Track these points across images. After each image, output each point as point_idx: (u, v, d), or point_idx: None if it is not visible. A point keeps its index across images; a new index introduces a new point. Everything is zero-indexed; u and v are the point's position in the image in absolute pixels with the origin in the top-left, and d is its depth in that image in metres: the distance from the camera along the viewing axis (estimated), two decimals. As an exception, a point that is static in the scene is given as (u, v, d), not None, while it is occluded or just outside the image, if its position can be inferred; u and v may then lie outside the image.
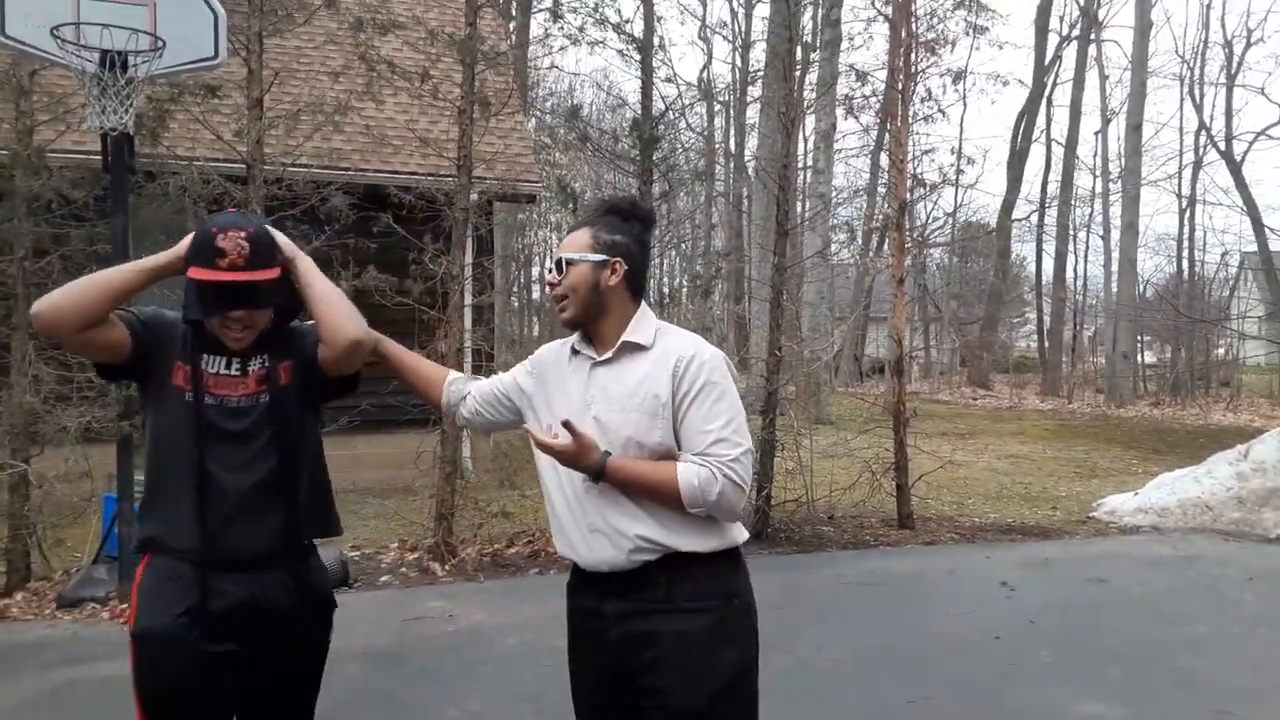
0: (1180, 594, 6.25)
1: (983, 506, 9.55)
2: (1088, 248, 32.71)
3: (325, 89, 8.36)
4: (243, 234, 2.13)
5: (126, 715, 4.18)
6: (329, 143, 8.91)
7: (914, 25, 9.27)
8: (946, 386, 27.28)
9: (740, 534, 2.22)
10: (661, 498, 2.09)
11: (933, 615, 5.66)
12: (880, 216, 21.63)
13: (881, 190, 23.15)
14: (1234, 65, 25.68)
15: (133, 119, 5.65)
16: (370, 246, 7.28)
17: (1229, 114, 25.40)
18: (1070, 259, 30.14)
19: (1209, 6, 53.77)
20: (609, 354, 2.20)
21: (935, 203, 26.87)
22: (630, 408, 2.12)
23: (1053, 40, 27.88)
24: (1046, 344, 29.35)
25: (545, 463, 2.23)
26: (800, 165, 18.02)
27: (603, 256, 2.19)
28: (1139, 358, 25.46)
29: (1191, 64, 27.15)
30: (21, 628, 5.33)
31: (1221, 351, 26.69)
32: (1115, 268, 23.91)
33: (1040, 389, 25.90)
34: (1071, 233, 29.56)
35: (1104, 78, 28.21)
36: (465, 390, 2.45)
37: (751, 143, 22.23)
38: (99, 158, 5.81)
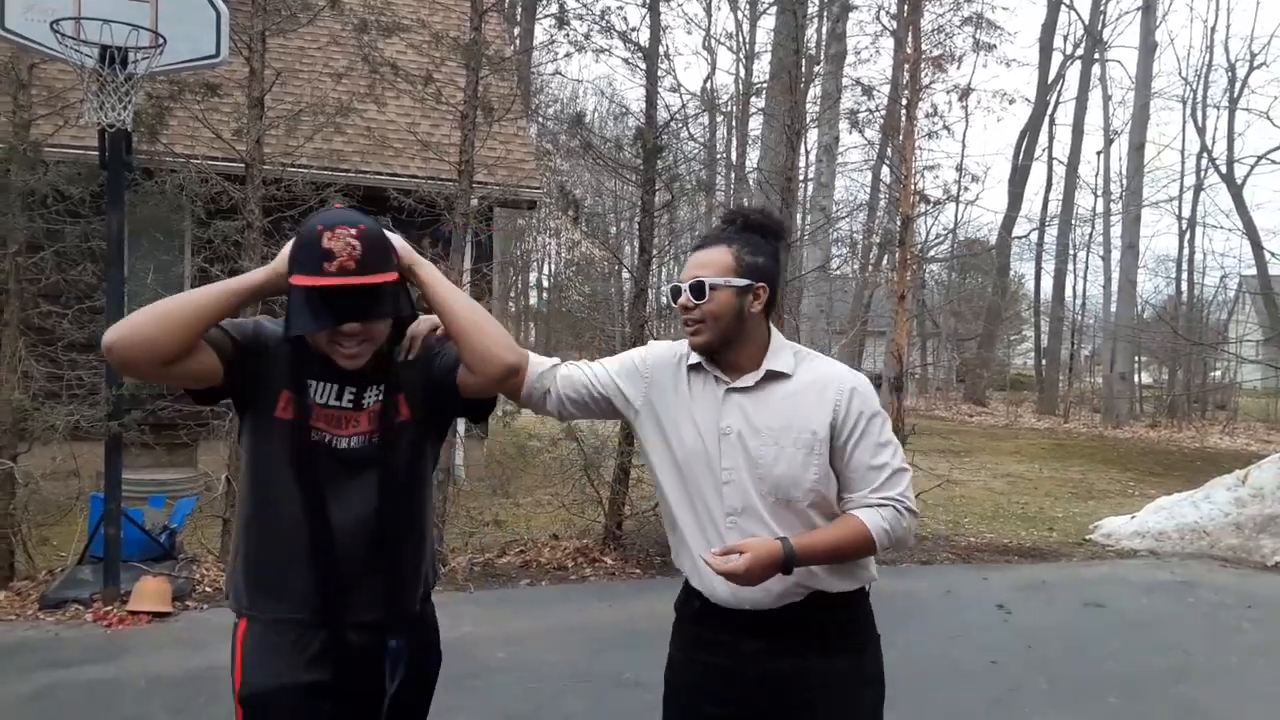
0: (1178, 621, 6.19)
1: (979, 526, 9.49)
2: (1087, 267, 32.78)
3: (327, 90, 8.30)
4: (352, 232, 1.81)
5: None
6: (329, 144, 8.85)
7: (920, 41, 9.25)
8: (943, 403, 27.27)
9: (874, 571, 2.14)
10: (856, 557, 2.03)
11: (928, 637, 5.59)
12: (880, 231, 21.62)
13: (883, 204, 23.15)
14: (1237, 89, 25.68)
15: (131, 116, 5.58)
16: (368, 249, 7.22)
17: (1231, 137, 25.40)
18: (1070, 278, 30.22)
19: (1213, 29, 54.03)
20: (749, 382, 2.07)
21: (936, 218, 26.91)
22: (785, 442, 2.01)
23: (1056, 59, 27.96)
24: (1044, 362, 29.35)
25: (677, 494, 2.12)
26: (802, 178, 17.99)
27: (747, 281, 2.04)
28: (1136, 378, 25.44)
29: (1195, 86, 27.15)
30: (3, 628, 5.23)
31: (1219, 374, 26.72)
32: (1115, 288, 23.92)
33: (1037, 407, 25.90)
34: (1071, 252, 29.60)
35: (1107, 98, 28.22)
36: (547, 384, 2.16)
37: (753, 154, 22.24)
38: (96, 153, 5.75)
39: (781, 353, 2.10)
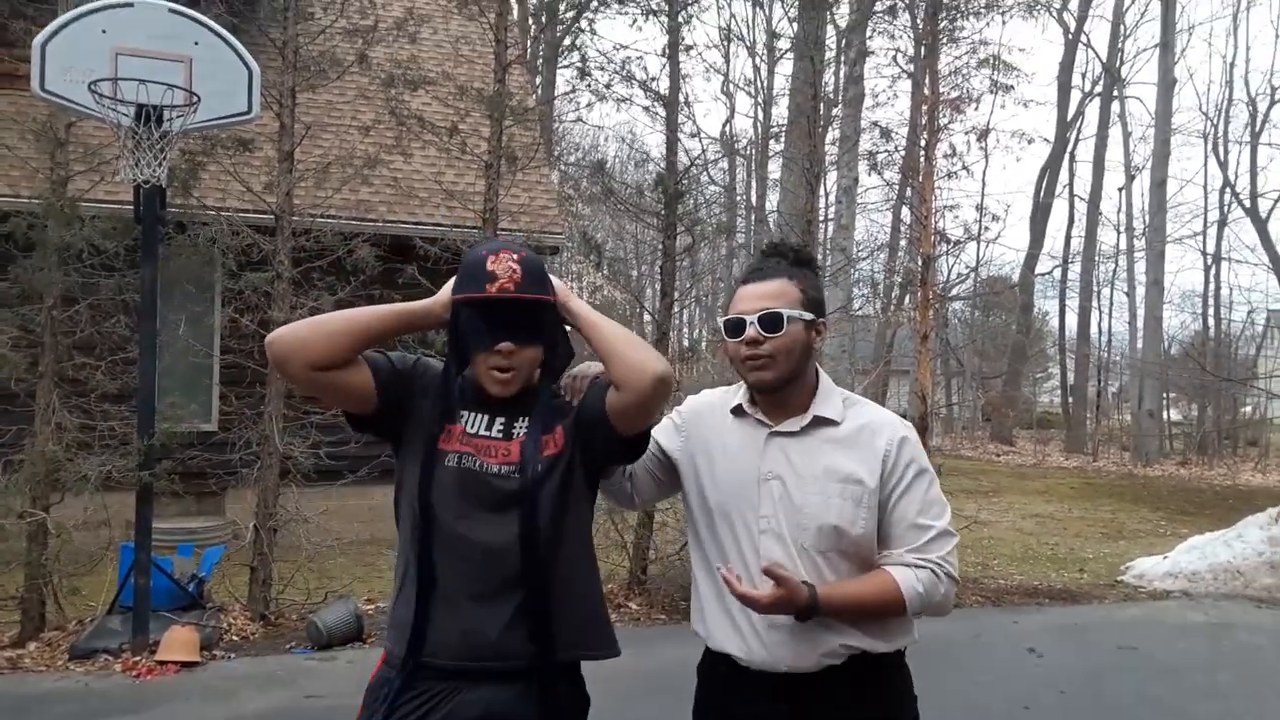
0: (1214, 663, 6.07)
1: (1008, 568, 9.37)
2: (1112, 304, 32.45)
3: (355, 142, 8.48)
4: (515, 256, 1.88)
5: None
6: (356, 194, 9.00)
7: (938, 84, 9.33)
8: (969, 442, 27.03)
9: (915, 634, 2.02)
10: (880, 615, 1.90)
11: (958, 683, 5.51)
12: (901, 270, 21.62)
13: (903, 245, 23.19)
14: (1258, 123, 25.68)
15: (166, 172, 5.73)
16: (395, 298, 7.28)
17: (1254, 171, 25.47)
18: (1095, 315, 30.04)
19: (1233, 64, 53.85)
20: (794, 426, 1.97)
21: (958, 257, 26.87)
22: (831, 493, 1.90)
23: (1075, 97, 28.06)
24: (1070, 400, 29.07)
25: (709, 544, 2.02)
26: (821, 219, 18.08)
27: (812, 315, 1.96)
28: (1165, 415, 25.14)
29: (1215, 121, 27.14)
30: (33, 679, 5.28)
31: (1249, 410, 26.34)
32: (1140, 324, 23.77)
33: (1064, 446, 25.62)
34: (1095, 288, 29.46)
35: (1127, 134, 28.25)
36: (629, 469, 2.13)
37: (773, 196, 22.39)
38: (131, 208, 5.90)
39: (831, 398, 1.99)
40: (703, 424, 2.09)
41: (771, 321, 1.92)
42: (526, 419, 1.96)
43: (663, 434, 2.13)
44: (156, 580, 5.89)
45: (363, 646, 5.93)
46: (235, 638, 5.97)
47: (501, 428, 1.96)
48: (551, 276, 1.97)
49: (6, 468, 6.06)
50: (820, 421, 1.97)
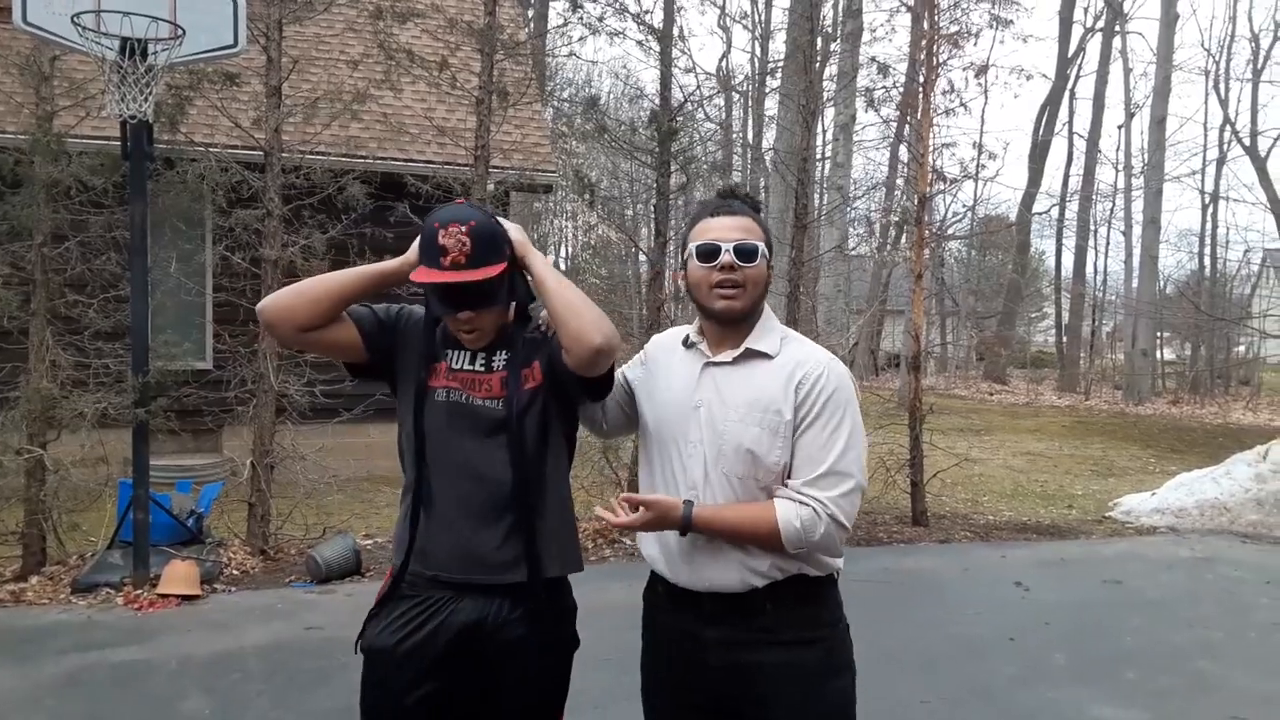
0: (1197, 597, 6.20)
1: (998, 504, 9.50)
2: (1108, 243, 32.23)
3: (344, 77, 8.35)
4: (464, 229, 1.98)
5: (139, 701, 4.23)
6: (346, 130, 8.89)
7: (937, 18, 9.16)
8: (963, 381, 27.16)
9: (839, 561, 2.07)
10: (756, 542, 1.95)
11: (947, 615, 5.63)
12: (898, 210, 21.49)
13: (900, 183, 22.99)
14: (1260, 60, 25.32)
15: (152, 107, 5.65)
16: (387, 236, 7.25)
17: (1254, 109, 25.34)
18: (1090, 254, 29.92)
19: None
20: (727, 357, 2.05)
21: (954, 196, 26.71)
22: (751, 420, 1.97)
23: (1076, 32, 27.61)
24: (1064, 339, 29.14)
25: (647, 471, 2.14)
26: (818, 157, 17.92)
27: (769, 256, 2.07)
28: (1158, 355, 25.23)
29: (1217, 58, 26.97)
30: (36, 612, 5.37)
31: (1242, 349, 26.45)
32: (1136, 263, 23.68)
33: (1057, 385, 25.74)
34: (1092, 227, 29.30)
35: (1128, 71, 27.75)
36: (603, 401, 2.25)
37: (770, 134, 22.14)
38: (118, 144, 5.83)
39: (769, 334, 2.06)
40: (660, 357, 2.20)
41: (749, 251, 2.01)
42: (505, 352, 2.13)
43: (629, 368, 2.27)
44: (156, 516, 5.95)
45: (361, 580, 6.03)
46: (235, 572, 6.06)
47: (483, 361, 2.13)
48: (508, 226, 2.07)
49: (3, 405, 6.08)
50: (752, 354, 2.05)
